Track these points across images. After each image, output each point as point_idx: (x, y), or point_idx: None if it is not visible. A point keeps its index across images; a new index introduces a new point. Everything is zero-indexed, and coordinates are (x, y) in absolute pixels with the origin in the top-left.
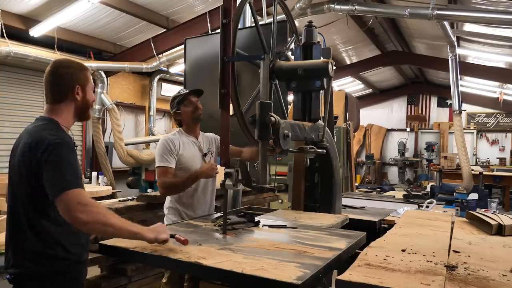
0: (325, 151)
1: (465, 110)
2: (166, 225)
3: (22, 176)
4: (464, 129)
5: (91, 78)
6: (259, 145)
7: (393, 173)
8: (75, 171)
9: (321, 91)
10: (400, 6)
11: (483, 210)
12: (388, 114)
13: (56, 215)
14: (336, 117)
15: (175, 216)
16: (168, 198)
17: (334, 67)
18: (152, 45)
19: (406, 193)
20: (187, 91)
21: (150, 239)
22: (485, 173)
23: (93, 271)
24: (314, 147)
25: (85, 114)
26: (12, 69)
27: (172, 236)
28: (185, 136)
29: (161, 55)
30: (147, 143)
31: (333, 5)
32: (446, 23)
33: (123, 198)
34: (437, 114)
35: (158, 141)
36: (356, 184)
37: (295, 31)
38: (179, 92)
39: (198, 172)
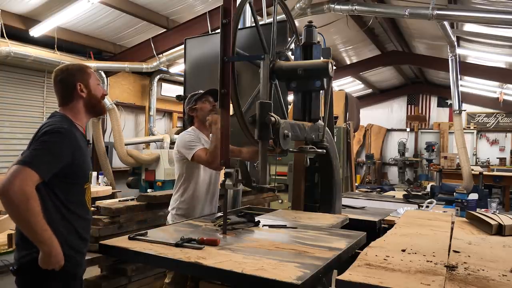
0: (325, 151)
1: (465, 110)
2: (169, 224)
3: None
4: (464, 129)
5: (94, 74)
6: (259, 145)
7: (393, 173)
8: (50, 158)
9: (321, 91)
10: (400, 6)
11: (483, 210)
12: (388, 114)
13: (56, 201)
14: (336, 117)
15: (181, 216)
16: (176, 198)
17: (334, 67)
18: (152, 45)
19: (406, 193)
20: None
21: (43, 257)
22: (485, 173)
23: (93, 271)
24: (314, 147)
25: (97, 108)
26: (12, 69)
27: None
28: (199, 134)
29: (161, 55)
30: (147, 143)
31: (333, 5)
32: (446, 23)
33: (123, 198)
34: (437, 114)
35: (158, 141)
36: (356, 184)
37: (295, 31)
38: (199, 91)
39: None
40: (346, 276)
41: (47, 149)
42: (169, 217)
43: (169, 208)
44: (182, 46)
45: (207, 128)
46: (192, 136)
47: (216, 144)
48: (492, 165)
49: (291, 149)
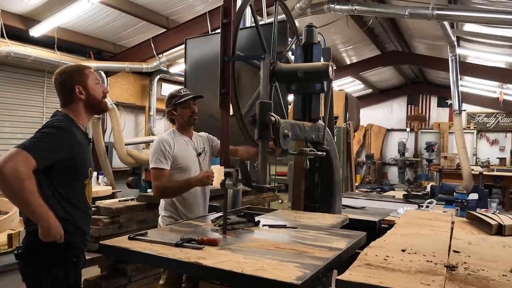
0: (325, 154)
1: (465, 110)
2: (166, 225)
3: None
4: (464, 129)
5: (92, 73)
6: (259, 146)
7: (393, 173)
8: (47, 147)
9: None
10: (400, 6)
11: (483, 210)
12: (388, 114)
13: (57, 196)
14: (336, 117)
15: (171, 217)
16: (163, 201)
17: (334, 67)
18: (152, 45)
19: (406, 193)
20: (187, 92)
21: (43, 232)
22: (485, 173)
23: (93, 271)
24: (314, 150)
25: (98, 107)
26: (12, 69)
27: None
28: (179, 136)
29: (161, 55)
30: (147, 143)
31: (333, 5)
32: (446, 23)
33: (123, 198)
34: (437, 114)
35: None
36: (356, 184)
37: (295, 32)
38: (179, 91)
39: (192, 180)
40: (346, 276)
41: (45, 139)
42: (159, 219)
43: (159, 211)
44: (182, 46)
45: (188, 130)
46: (162, 148)
47: (175, 188)
48: (492, 165)
49: (291, 152)
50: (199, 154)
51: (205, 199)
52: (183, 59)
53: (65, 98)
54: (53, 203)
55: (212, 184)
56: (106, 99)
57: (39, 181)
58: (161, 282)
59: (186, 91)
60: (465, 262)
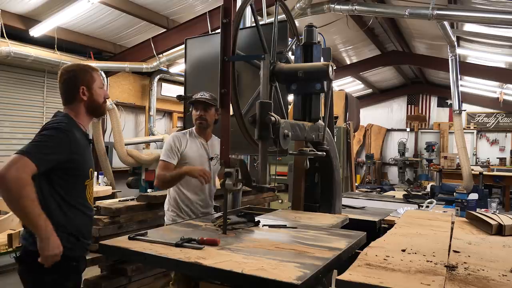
0: (325, 153)
1: (465, 110)
2: (166, 224)
3: None
4: (464, 129)
5: (99, 77)
6: (259, 146)
7: (393, 173)
8: (47, 150)
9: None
10: (400, 6)
11: (483, 210)
12: (388, 114)
13: (57, 197)
14: (336, 117)
15: (173, 211)
16: (168, 196)
17: (334, 67)
18: (152, 45)
19: (406, 193)
20: (204, 96)
21: (42, 244)
22: (485, 173)
23: (93, 271)
24: (314, 150)
25: (98, 111)
26: (12, 69)
27: (193, 240)
28: (194, 137)
29: (161, 55)
30: (147, 143)
31: (333, 5)
32: (446, 23)
33: (123, 198)
34: (437, 114)
35: (158, 141)
36: (356, 184)
37: (295, 33)
38: (197, 93)
39: (186, 170)
40: (346, 276)
41: (45, 142)
42: (165, 217)
43: (165, 208)
44: (182, 46)
45: (203, 133)
46: (173, 144)
47: (169, 178)
48: (492, 165)
49: (291, 152)
50: (211, 159)
51: (207, 198)
52: (183, 59)
53: (67, 96)
54: (53, 205)
55: (203, 184)
56: (106, 104)
57: (39, 183)
58: (171, 282)
59: (203, 95)
60: (465, 262)
